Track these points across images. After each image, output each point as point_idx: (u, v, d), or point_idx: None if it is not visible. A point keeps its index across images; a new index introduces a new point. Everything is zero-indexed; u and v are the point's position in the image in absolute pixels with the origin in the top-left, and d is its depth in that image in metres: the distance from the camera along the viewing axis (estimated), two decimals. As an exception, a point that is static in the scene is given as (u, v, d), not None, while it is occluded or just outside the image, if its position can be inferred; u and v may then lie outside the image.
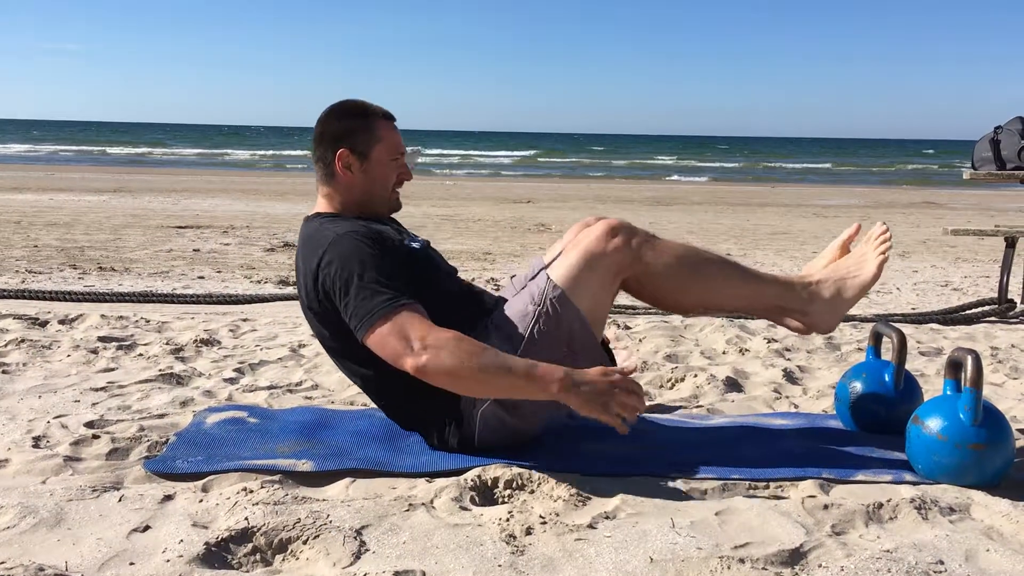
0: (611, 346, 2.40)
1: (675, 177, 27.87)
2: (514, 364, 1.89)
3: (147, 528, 1.69)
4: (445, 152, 45.00)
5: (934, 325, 4.25)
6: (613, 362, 2.28)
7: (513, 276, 2.30)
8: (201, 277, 5.60)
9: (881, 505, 1.83)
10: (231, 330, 3.67)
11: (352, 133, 2.19)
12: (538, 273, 2.16)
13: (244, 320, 3.93)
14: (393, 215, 2.35)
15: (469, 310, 2.18)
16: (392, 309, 1.94)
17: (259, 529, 1.66)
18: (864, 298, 2.28)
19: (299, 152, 43.22)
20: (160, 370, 2.97)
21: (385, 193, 2.25)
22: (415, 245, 2.20)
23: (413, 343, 1.90)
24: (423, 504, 1.82)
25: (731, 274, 2.20)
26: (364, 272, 1.99)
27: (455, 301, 2.17)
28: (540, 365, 1.90)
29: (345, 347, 2.12)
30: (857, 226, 2.33)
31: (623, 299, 4.91)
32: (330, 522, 1.70)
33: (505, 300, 2.20)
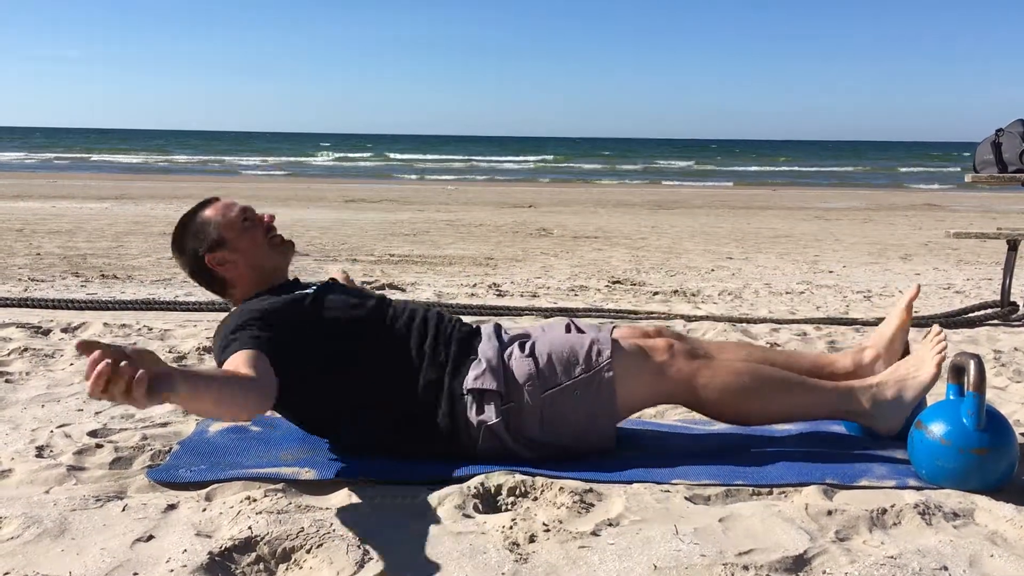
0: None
1: (674, 183, 27.86)
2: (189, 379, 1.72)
3: (151, 538, 1.69)
4: (445, 157, 45.04)
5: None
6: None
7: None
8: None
9: (885, 511, 1.83)
10: (234, 337, 3.67)
11: (199, 239, 2.24)
12: (604, 335, 2.19)
13: (246, 327, 3.93)
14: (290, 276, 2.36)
15: (411, 323, 2.20)
16: (226, 357, 1.93)
17: (262, 538, 1.66)
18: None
19: (302, 158, 43.28)
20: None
21: (266, 251, 2.27)
22: (308, 291, 2.21)
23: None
24: (426, 512, 1.81)
25: (791, 390, 2.21)
26: (227, 335, 2.01)
27: (382, 322, 2.18)
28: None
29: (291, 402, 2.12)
30: (917, 287, 2.38)
31: (625, 304, 4.91)
32: (333, 531, 1.69)
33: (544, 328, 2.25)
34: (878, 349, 2.38)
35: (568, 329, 2.24)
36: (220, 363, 1.96)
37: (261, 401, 1.84)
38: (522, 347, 2.14)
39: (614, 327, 2.32)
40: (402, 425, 2.11)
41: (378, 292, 2.37)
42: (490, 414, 2.06)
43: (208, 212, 2.27)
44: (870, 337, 2.41)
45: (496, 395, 2.07)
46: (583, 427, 2.11)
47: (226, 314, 2.19)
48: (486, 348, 2.14)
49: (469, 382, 2.08)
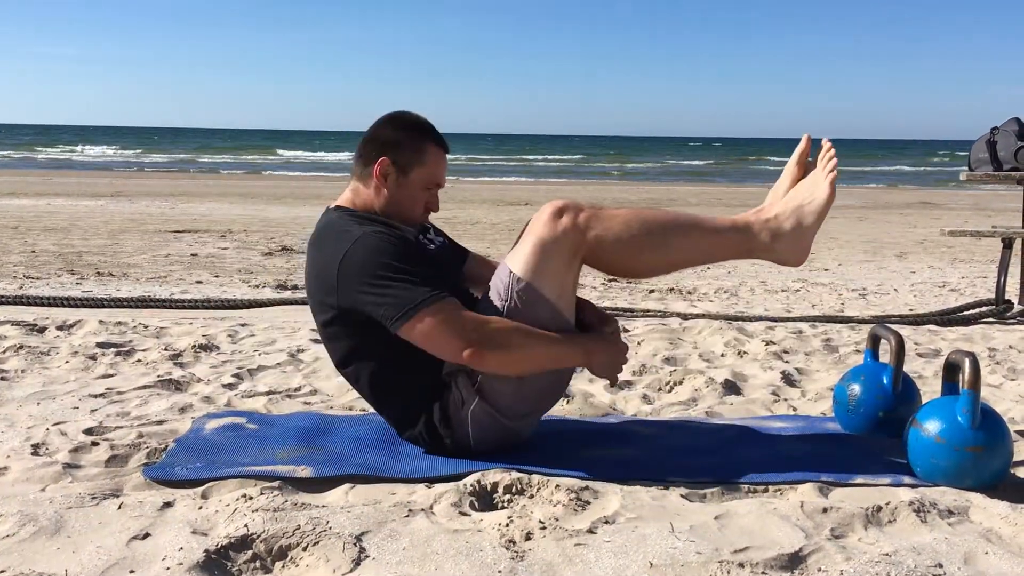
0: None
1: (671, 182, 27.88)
2: (550, 337, 2.05)
3: (147, 535, 1.69)
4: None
5: (932, 326, 4.26)
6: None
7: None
8: (199, 282, 5.60)
9: (880, 508, 1.83)
10: (229, 335, 3.67)
11: (401, 146, 2.20)
12: (499, 265, 2.16)
13: (242, 325, 3.93)
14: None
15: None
16: (434, 300, 1.98)
17: (259, 536, 1.66)
18: (819, 226, 2.25)
19: (299, 153, 43.22)
20: (159, 376, 2.97)
21: (410, 215, 2.24)
22: (432, 247, 2.24)
23: (467, 333, 1.98)
24: (423, 510, 1.82)
25: (686, 231, 2.16)
26: (397, 266, 2.02)
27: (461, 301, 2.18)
28: (565, 337, 2.07)
29: (357, 344, 2.13)
30: (807, 137, 2.29)
31: (621, 302, 4.92)
32: (330, 528, 1.70)
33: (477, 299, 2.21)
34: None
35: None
36: (417, 299, 1.98)
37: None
38: None
39: None
40: (424, 398, 2.13)
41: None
42: (469, 395, 2.07)
43: (429, 147, 2.23)
44: (766, 198, 2.31)
45: (463, 375, 2.08)
46: None
47: (343, 217, 2.17)
48: None
49: (446, 368, 2.11)
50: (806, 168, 2.27)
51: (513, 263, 2.10)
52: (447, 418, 2.10)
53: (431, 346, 2.02)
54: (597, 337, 2.14)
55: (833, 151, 2.20)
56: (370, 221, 2.16)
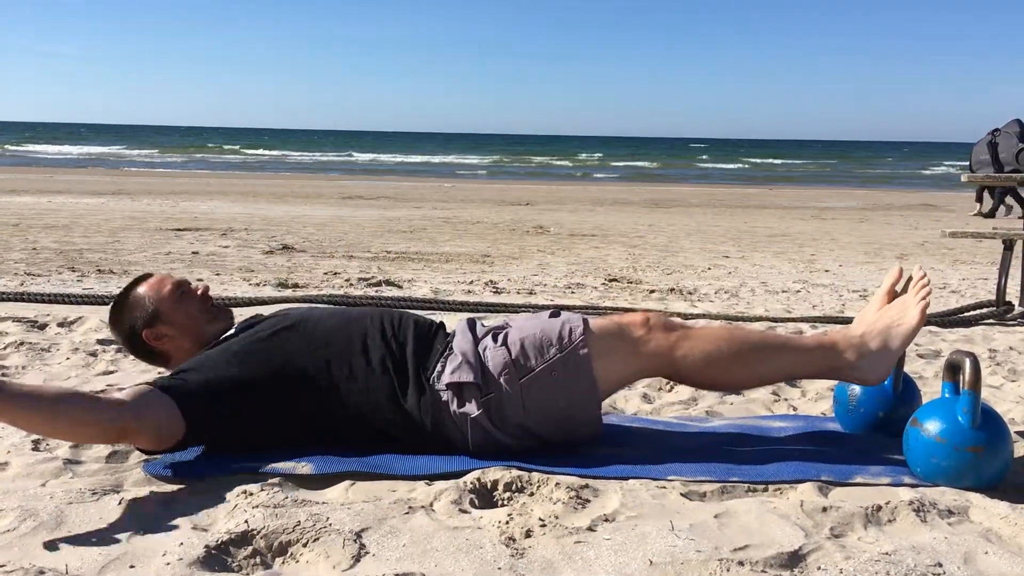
0: None
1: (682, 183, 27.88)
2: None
3: (147, 531, 1.69)
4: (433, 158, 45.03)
5: (932, 327, 4.26)
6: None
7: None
8: (200, 280, 5.60)
9: (880, 507, 1.83)
10: (230, 333, 3.67)
11: (132, 319, 2.28)
12: (575, 316, 2.18)
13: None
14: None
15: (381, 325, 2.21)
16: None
17: (259, 532, 1.66)
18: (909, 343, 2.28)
19: (298, 153, 43.24)
20: (159, 372, 2.97)
21: (203, 322, 2.30)
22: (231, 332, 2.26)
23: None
24: (423, 507, 1.82)
25: (773, 351, 2.19)
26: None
27: (348, 324, 2.20)
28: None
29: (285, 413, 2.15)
30: (899, 269, 2.33)
31: (622, 302, 4.92)
32: (330, 525, 1.70)
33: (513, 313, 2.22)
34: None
35: (550, 315, 2.21)
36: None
37: (114, 426, 1.90)
38: (495, 338, 2.15)
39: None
40: (385, 434, 2.12)
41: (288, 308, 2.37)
42: (471, 407, 2.07)
43: (142, 288, 2.31)
44: (856, 318, 2.33)
45: (474, 387, 2.07)
46: (566, 409, 2.10)
47: None
48: (460, 342, 2.15)
49: (446, 376, 2.09)
50: (894, 297, 2.30)
51: (593, 324, 2.13)
52: (440, 419, 2.09)
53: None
54: None
55: (927, 279, 2.23)
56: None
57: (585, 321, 2.15)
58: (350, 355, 2.12)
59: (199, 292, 2.34)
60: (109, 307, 2.36)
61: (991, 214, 13.64)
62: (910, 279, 2.26)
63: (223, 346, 2.16)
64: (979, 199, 13.60)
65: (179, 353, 2.28)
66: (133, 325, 2.28)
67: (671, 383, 2.99)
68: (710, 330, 2.19)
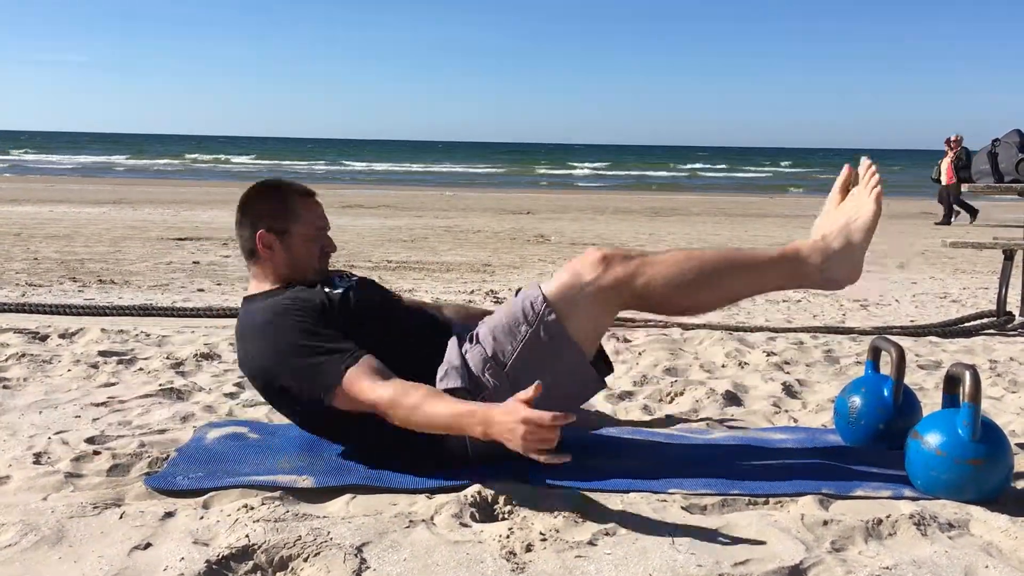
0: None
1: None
2: (445, 417, 1.93)
3: (148, 545, 1.70)
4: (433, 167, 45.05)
5: (933, 338, 4.26)
6: (605, 373, 2.27)
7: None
8: (201, 290, 5.60)
9: (880, 521, 1.83)
10: (231, 344, 3.67)
11: (269, 214, 2.25)
12: (531, 289, 2.15)
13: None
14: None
15: (423, 333, 2.22)
16: (344, 372, 2.00)
17: (260, 546, 1.67)
18: (854, 283, 2.25)
19: (299, 162, 43.29)
20: (160, 385, 2.97)
21: (310, 267, 2.28)
22: (337, 291, 2.20)
23: (374, 401, 1.98)
24: (423, 521, 1.82)
25: (736, 267, 2.16)
26: (302, 346, 2.05)
27: (397, 329, 2.20)
28: (461, 412, 1.91)
29: (308, 417, 2.17)
30: (848, 167, 2.30)
31: (623, 312, 4.92)
32: (331, 539, 1.70)
33: (488, 313, 2.21)
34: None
35: (513, 297, 2.20)
36: (327, 382, 2.01)
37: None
38: (471, 339, 2.15)
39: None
40: (399, 431, 2.11)
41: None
42: None
43: (298, 202, 2.27)
44: (812, 229, 2.29)
45: (463, 392, 2.07)
46: (558, 379, 2.06)
47: (247, 310, 2.20)
48: (449, 352, 2.16)
49: (439, 386, 2.09)
50: (847, 196, 2.28)
51: (548, 290, 2.10)
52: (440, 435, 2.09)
53: (356, 411, 2.03)
54: (500, 408, 1.86)
55: (875, 167, 2.21)
56: (269, 298, 2.18)
57: (540, 287, 2.12)
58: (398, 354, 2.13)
59: (329, 244, 2.31)
60: (258, 186, 2.31)
61: (946, 221, 13.85)
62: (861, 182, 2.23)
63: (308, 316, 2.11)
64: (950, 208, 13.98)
65: (267, 267, 2.25)
66: (260, 219, 2.24)
67: (672, 395, 2.99)
68: (670, 253, 2.15)
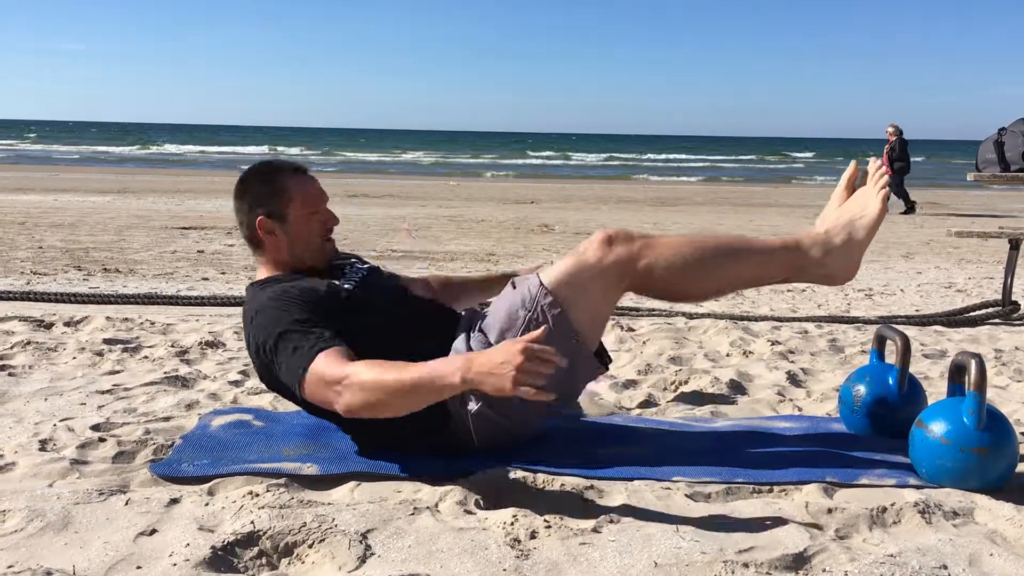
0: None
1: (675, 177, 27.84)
2: (413, 375, 1.83)
3: (153, 532, 1.70)
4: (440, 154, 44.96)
5: (938, 327, 4.25)
6: (606, 365, 2.26)
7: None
8: (205, 278, 5.61)
9: (885, 509, 1.83)
10: (235, 332, 3.67)
11: (265, 198, 2.22)
12: (529, 275, 2.15)
13: (249, 322, 3.93)
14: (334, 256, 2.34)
15: (431, 326, 2.20)
16: (309, 360, 1.93)
17: (265, 533, 1.67)
18: (869, 245, 2.24)
19: (299, 150, 43.27)
20: (165, 372, 2.98)
21: (314, 246, 2.25)
22: (346, 287, 2.17)
23: (334, 388, 1.89)
24: (428, 508, 1.82)
25: (737, 254, 2.16)
26: (282, 334, 2.00)
27: (407, 324, 2.18)
28: (436, 365, 1.83)
29: (306, 402, 2.13)
30: (854, 164, 2.30)
31: (626, 301, 4.91)
32: (335, 526, 1.70)
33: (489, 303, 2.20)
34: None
35: (513, 287, 2.17)
36: (300, 363, 1.93)
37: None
38: (475, 328, 2.14)
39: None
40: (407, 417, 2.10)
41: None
42: (472, 404, 2.06)
43: (290, 182, 2.24)
44: (816, 222, 2.29)
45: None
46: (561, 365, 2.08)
47: (253, 293, 2.17)
48: (457, 341, 2.15)
49: None
50: (854, 192, 2.27)
51: (546, 277, 2.09)
52: (447, 413, 2.09)
53: (322, 406, 1.98)
54: (483, 351, 1.81)
55: (884, 168, 2.21)
56: (274, 284, 2.15)
57: (537, 273, 2.12)
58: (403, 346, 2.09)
59: (330, 220, 2.28)
60: (252, 171, 2.28)
61: (911, 209, 13.82)
62: (867, 177, 2.23)
63: (309, 297, 2.08)
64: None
65: (274, 254, 2.23)
66: (255, 206, 2.22)
67: (676, 383, 2.99)
68: (673, 238, 2.14)
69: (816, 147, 66.75)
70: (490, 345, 2.07)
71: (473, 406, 2.06)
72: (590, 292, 2.08)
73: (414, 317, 2.23)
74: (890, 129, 14.18)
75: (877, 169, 2.22)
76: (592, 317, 2.11)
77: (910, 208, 13.84)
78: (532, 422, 2.15)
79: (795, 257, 2.16)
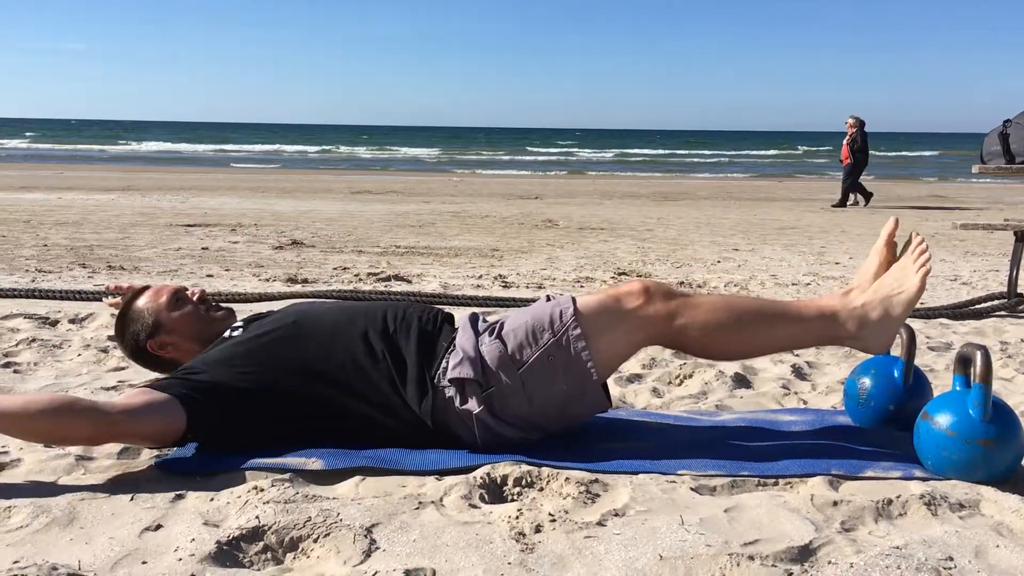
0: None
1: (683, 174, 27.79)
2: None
3: (159, 527, 1.70)
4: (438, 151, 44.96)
5: (943, 320, 4.24)
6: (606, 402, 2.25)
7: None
8: (210, 276, 5.62)
9: (891, 501, 1.83)
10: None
11: (135, 333, 2.36)
12: (564, 298, 2.15)
13: (253, 318, 3.93)
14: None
15: (375, 316, 2.21)
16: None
17: (270, 527, 1.67)
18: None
19: (302, 147, 43.28)
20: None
21: (204, 323, 2.36)
22: (235, 333, 2.25)
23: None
24: (433, 502, 1.82)
25: (773, 321, 2.17)
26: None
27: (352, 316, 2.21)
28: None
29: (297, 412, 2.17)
30: (895, 220, 2.30)
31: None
32: (340, 520, 1.70)
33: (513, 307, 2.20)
34: (863, 289, 2.26)
35: (544, 301, 2.19)
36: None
37: (102, 426, 1.92)
38: (491, 331, 2.14)
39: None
40: (391, 429, 2.12)
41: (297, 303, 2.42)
42: (473, 404, 2.06)
43: (140, 301, 2.38)
44: (855, 277, 2.31)
45: (475, 383, 2.06)
46: (568, 393, 2.08)
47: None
48: (462, 339, 2.14)
49: (450, 372, 2.08)
50: (893, 249, 2.27)
51: (582, 305, 2.10)
52: (447, 416, 2.09)
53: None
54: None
55: (925, 244, 2.20)
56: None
57: (574, 300, 2.13)
58: (353, 351, 2.12)
59: (195, 296, 2.40)
60: (115, 322, 2.42)
61: (841, 204, 13.90)
62: (909, 241, 2.23)
63: (228, 343, 2.18)
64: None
65: (186, 357, 2.30)
66: (137, 338, 2.35)
67: (681, 377, 2.99)
68: (710, 299, 2.16)
69: (825, 141, 66.60)
70: (505, 352, 2.07)
71: (475, 408, 2.06)
72: (617, 334, 2.10)
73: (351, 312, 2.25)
74: (850, 121, 14.19)
75: (917, 245, 2.20)
76: (611, 356, 2.13)
77: (867, 199, 13.99)
78: (531, 434, 2.14)
79: (830, 327, 2.17)
